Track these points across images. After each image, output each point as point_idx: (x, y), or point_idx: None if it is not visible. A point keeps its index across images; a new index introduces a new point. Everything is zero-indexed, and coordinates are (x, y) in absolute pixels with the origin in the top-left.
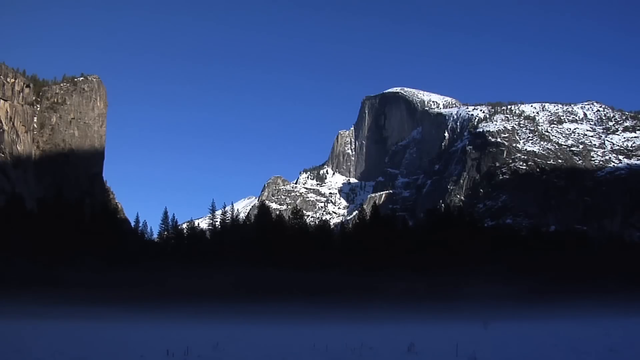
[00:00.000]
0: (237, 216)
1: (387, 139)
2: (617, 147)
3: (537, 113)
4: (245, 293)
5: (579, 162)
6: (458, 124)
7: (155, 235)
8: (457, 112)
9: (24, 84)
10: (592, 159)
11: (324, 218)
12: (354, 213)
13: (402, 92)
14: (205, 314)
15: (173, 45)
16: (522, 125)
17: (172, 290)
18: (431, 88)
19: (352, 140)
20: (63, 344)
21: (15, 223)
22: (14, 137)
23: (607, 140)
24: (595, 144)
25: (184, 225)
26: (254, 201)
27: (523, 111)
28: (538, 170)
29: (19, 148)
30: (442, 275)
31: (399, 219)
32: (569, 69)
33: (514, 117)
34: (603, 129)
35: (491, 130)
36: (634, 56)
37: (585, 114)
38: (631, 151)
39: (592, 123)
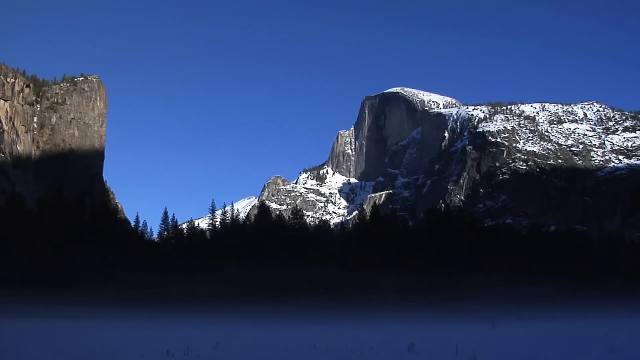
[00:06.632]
0: (237, 216)
1: (387, 139)
2: (617, 147)
3: (537, 113)
4: (245, 293)
5: (579, 162)
6: (458, 124)
7: (155, 235)
8: (457, 112)
9: (24, 84)
10: (592, 159)
11: (324, 218)
12: (354, 213)
13: (402, 92)
14: (205, 314)
15: (173, 45)
16: (522, 125)
17: (172, 290)
18: (431, 88)
19: (352, 140)
20: (63, 344)
21: (15, 223)
22: (14, 137)
23: (607, 140)
24: (595, 144)
25: (184, 225)
26: (254, 201)
27: (523, 111)
28: (538, 170)
29: (19, 148)
30: (442, 275)
31: (399, 219)
32: (569, 69)
33: (514, 117)
34: (603, 129)
35: (491, 130)
36: (634, 56)
37: (585, 114)
38: (631, 151)
39: (592, 123)
